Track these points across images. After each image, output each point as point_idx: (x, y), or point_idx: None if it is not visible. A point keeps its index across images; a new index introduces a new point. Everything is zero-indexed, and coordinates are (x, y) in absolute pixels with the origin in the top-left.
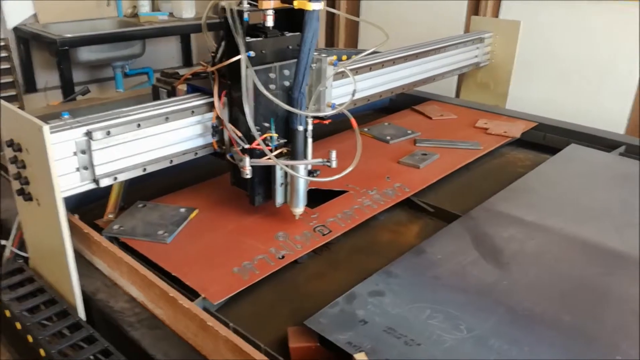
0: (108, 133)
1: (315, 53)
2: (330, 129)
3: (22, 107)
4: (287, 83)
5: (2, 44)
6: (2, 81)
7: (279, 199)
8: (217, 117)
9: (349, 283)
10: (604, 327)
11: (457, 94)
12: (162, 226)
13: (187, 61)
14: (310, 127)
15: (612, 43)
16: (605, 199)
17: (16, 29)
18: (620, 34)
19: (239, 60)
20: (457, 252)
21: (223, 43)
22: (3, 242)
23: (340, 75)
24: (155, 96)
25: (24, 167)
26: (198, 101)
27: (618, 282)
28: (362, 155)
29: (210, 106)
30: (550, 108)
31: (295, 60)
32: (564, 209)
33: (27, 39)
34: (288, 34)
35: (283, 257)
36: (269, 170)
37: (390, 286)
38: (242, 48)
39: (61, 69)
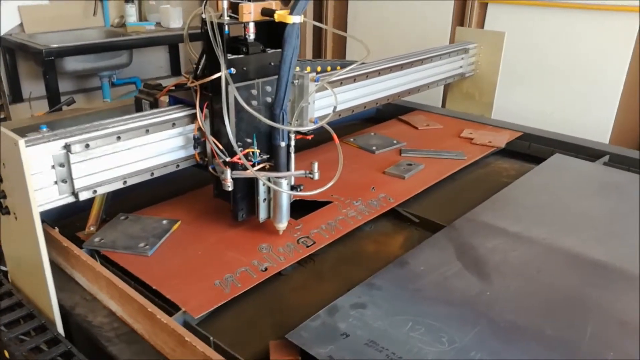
0: (87, 146)
1: (297, 70)
2: (314, 141)
3: (8, 118)
4: (269, 99)
5: None
6: None
7: (262, 215)
8: (199, 129)
9: (333, 295)
10: (586, 338)
11: (443, 104)
12: (144, 239)
13: (175, 71)
14: (292, 143)
15: (596, 53)
16: (590, 209)
17: (2, 39)
18: (605, 43)
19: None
20: (440, 264)
21: (204, 56)
22: None
23: (323, 87)
24: (138, 108)
25: (0, 180)
26: (179, 113)
27: (601, 293)
28: (347, 166)
29: (192, 118)
30: (536, 118)
31: (277, 76)
32: (548, 219)
33: (13, 49)
34: (270, 51)
35: (266, 269)
36: (252, 186)
37: (373, 298)
38: (222, 66)
39: (47, 79)
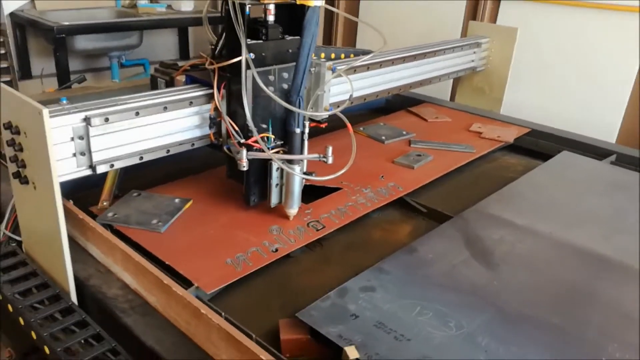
0: (106, 120)
1: (314, 56)
2: (324, 128)
3: None
4: (285, 86)
5: None
6: None
7: (274, 200)
8: (215, 109)
9: (340, 278)
10: (591, 329)
11: (452, 97)
12: (156, 215)
13: (184, 54)
14: (307, 130)
15: (606, 52)
16: (595, 206)
17: (13, 15)
18: (615, 43)
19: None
20: (448, 252)
21: (224, 35)
22: None
23: (337, 74)
24: (154, 86)
25: (21, 150)
26: (197, 92)
27: (605, 286)
28: (357, 154)
29: (209, 98)
30: (543, 115)
31: (294, 63)
32: (554, 214)
33: (24, 25)
34: (288, 38)
35: (276, 250)
36: (265, 171)
37: (382, 282)
38: (244, 49)
39: (57, 56)
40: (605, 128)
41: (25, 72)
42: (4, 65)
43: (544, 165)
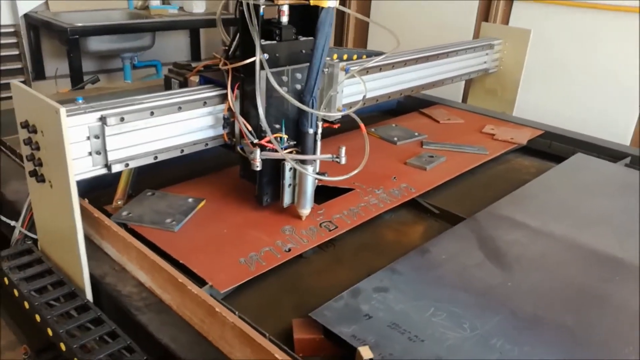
0: (122, 119)
1: (327, 59)
2: (337, 129)
3: None
4: (298, 86)
5: (13, 30)
6: (12, 67)
7: (287, 200)
8: (229, 109)
9: (352, 279)
10: (604, 331)
11: (464, 99)
12: (170, 215)
13: (196, 55)
14: (319, 130)
15: (620, 54)
16: (609, 208)
17: (27, 16)
18: (629, 45)
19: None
20: (461, 253)
21: (237, 36)
22: (12, 223)
23: (350, 74)
24: (167, 86)
25: (37, 148)
26: (211, 92)
27: (619, 288)
28: (369, 155)
29: (222, 98)
30: (556, 117)
31: (308, 64)
32: (568, 216)
33: (38, 27)
34: (302, 38)
35: (289, 250)
36: (278, 171)
37: (395, 283)
38: (258, 49)
39: (71, 57)
40: (620, 130)
41: (39, 73)
42: (18, 66)
43: (558, 168)
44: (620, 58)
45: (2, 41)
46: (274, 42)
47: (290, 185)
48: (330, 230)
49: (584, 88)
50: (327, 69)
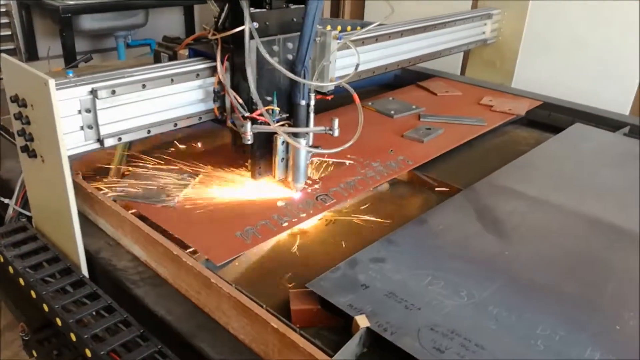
0: (113, 92)
1: (320, 27)
2: (332, 103)
3: None
4: (290, 56)
5: (4, 10)
6: (4, 48)
7: (279, 174)
8: (219, 83)
9: (350, 251)
10: (605, 297)
11: (462, 71)
12: (165, 191)
13: (190, 33)
14: (312, 102)
15: (620, 24)
16: (608, 178)
17: None
18: (629, 14)
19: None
20: (459, 223)
21: (226, 6)
22: (6, 201)
23: (345, 45)
24: (157, 60)
25: (28, 123)
26: (202, 64)
27: (618, 255)
28: (365, 129)
29: (213, 70)
30: (555, 88)
31: (299, 33)
32: (567, 185)
33: (29, 6)
34: (293, 6)
35: (286, 223)
36: (270, 145)
37: (392, 253)
38: (247, 18)
39: (64, 37)
40: (619, 100)
41: (32, 54)
42: (11, 46)
43: (557, 137)
44: (620, 27)
45: None
46: (264, 10)
47: (283, 159)
48: (326, 204)
49: (582, 57)
50: (319, 38)
